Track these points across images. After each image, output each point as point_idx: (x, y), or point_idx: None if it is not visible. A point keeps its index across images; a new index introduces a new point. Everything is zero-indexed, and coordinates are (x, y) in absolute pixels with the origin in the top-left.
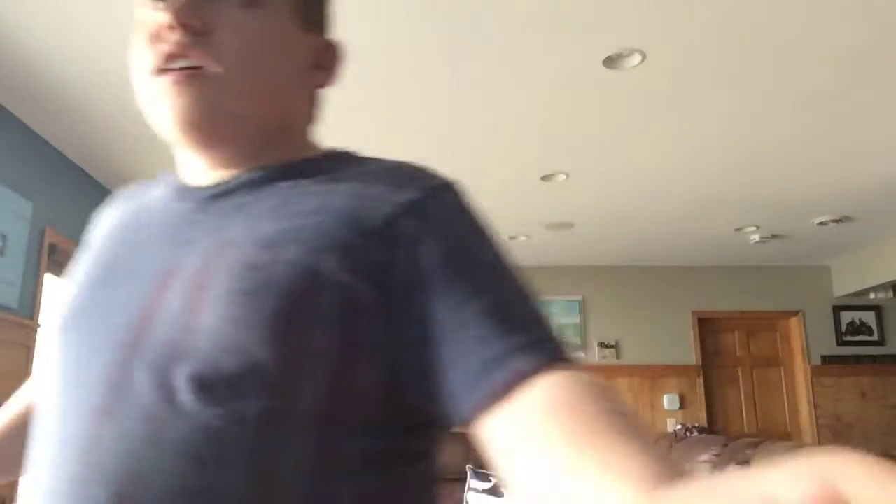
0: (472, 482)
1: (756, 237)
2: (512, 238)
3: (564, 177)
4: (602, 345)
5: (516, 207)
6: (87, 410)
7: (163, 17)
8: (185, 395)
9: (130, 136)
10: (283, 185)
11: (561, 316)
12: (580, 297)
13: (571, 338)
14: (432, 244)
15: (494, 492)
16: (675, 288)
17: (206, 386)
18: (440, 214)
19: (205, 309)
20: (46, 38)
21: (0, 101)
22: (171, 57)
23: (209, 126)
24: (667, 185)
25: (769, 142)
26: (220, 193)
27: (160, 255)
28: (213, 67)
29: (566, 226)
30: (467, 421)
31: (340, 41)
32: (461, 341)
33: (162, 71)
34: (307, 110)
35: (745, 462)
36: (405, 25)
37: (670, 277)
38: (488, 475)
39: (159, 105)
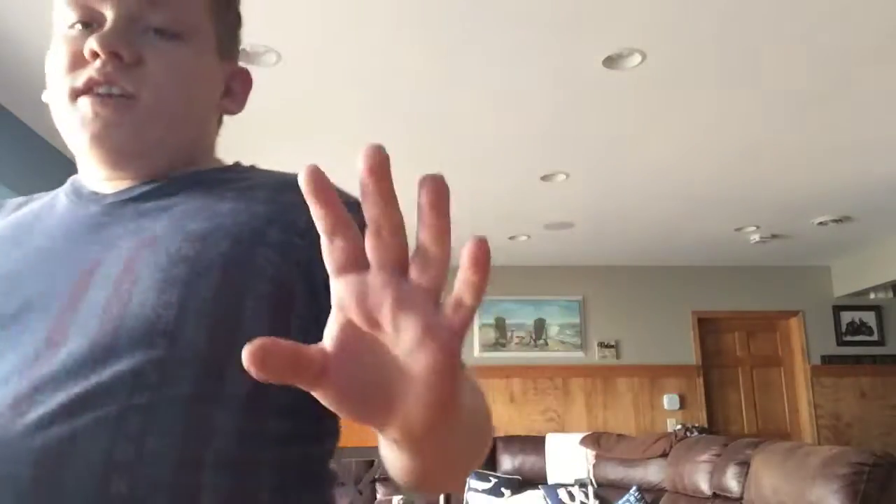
0: (472, 482)
1: (756, 237)
2: (512, 238)
3: (564, 177)
4: (602, 345)
5: (516, 207)
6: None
7: (92, 44)
8: (119, 380)
9: None
10: (198, 190)
11: (561, 316)
12: (580, 297)
13: (571, 338)
14: None
15: (494, 492)
16: (675, 288)
17: (139, 372)
18: None
19: (135, 299)
20: (46, 38)
21: (0, 101)
22: (96, 83)
23: (131, 150)
24: (667, 185)
25: (769, 141)
26: (133, 198)
27: (73, 256)
28: (143, 96)
29: (566, 226)
30: None
31: (247, 70)
32: None
33: (83, 93)
34: (215, 130)
35: (744, 462)
36: (404, 25)
37: (670, 277)
38: (488, 475)
39: (81, 125)
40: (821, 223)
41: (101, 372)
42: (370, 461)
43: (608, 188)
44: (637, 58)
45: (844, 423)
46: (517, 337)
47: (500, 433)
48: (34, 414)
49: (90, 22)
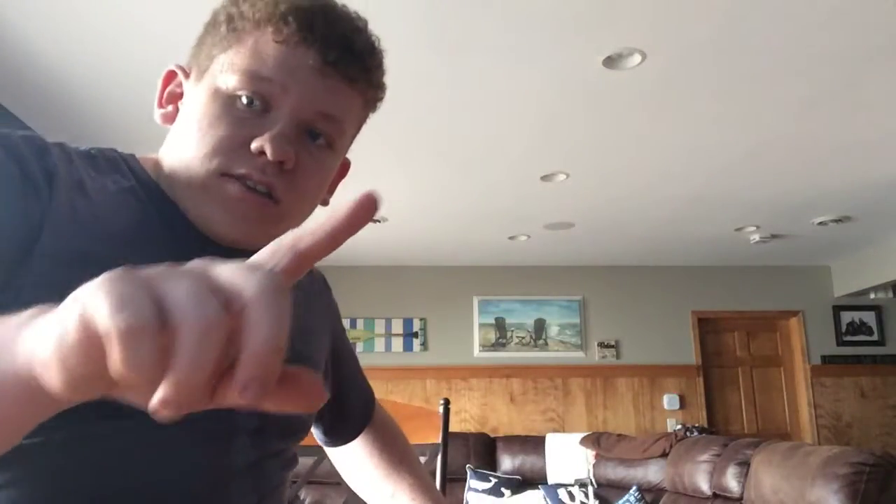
0: (472, 482)
1: (756, 237)
2: (512, 238)
3: (564, 177)
4: (602, 345)
5: (516, 207)
6: None
7: (268, 145)
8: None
9: (130, 136)
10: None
11: (561, 316)
12: (580, 297)
13: (571, 338)
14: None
15: (494, 492)
16: (675, 288)
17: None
18: None
19: None
20: (47, 39)
21: (0, 102)
22: (252, 179)
23: (253, 244)
24: (667, 185)
25: (769, 141)
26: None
27: None
28: (285, 201)
29: (566, 226)
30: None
31: (349, 161)
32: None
33: (232, 179)
34: None
35: (744, 462)
36: (404, 25)
37: (670, 277)
38: (488, 475)
39: (218, 206)
40: (821, 223)
41: None
42: None
43: (608, 188)
44: (637, 58)
45: (844, 423)
46: (517, 337)
47: (500, 433)
48: None
49: (260, 104)
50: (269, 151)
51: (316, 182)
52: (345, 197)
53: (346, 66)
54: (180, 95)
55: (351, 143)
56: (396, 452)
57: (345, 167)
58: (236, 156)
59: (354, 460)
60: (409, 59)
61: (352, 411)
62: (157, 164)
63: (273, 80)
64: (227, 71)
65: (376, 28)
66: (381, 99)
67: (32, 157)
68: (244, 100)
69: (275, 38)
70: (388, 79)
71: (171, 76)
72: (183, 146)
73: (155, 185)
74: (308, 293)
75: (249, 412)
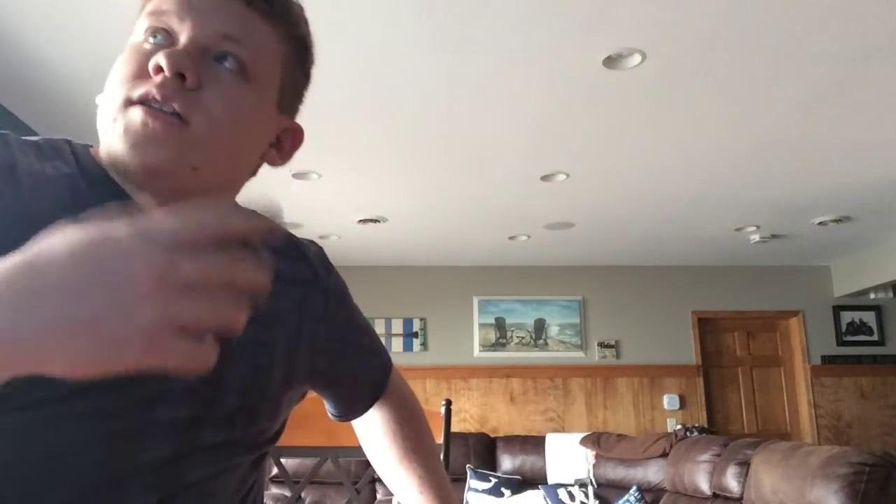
0: (472, 482)
1: (756, 237)
2: (512, 238)
3: (564, 177)
4: (602, 345)
5: (516, 207)
6: None
7: (160, 59)
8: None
9: None
10: None
11: (561, 316)
12: (580, 297)
13: (571, 338)
14: None
15: (494, 492)
16: (674, 288)
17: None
18: None
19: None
20: (46, 38)
21: (0, 102)
22: (152, 98)
23: (166, 169)
24: (667, 185)
25: (769, 142)
26: None
27: None
28: (193, 122)
29: (566, 226)
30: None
31: (302, 127)
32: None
33: (137, 104)
34: (249, 175)
35: (744, 462)
36: (404, 24)
37: (670, 277)
38: (488, 475)
39: (124, 132)
40: (821, 223)
41: None
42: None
43: (608, 188)
44: (637, 58)
45: (844, 423)
46: (517, 337)
47: (500, 433)
48: None
49: (163, 37)
50: (163, 63)
51: (228, 108)
52: (345, 196)
53: None
54: None
55: (285, 91)
56: (411, 436)
57: (297, 132)
58: (140, 81)
59: (371, 434)
60: (409, 59)
61: (354, 390)
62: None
63: (171, 12)
64: (138, 23)
65: (373, 27)
66: (301, 38)
67: None
68: (150, 38)
69: None
70: (388, 78)
71: None
72: (102, 102)
73: (100, 170)
74: (287, 281)
75: (172, 402)
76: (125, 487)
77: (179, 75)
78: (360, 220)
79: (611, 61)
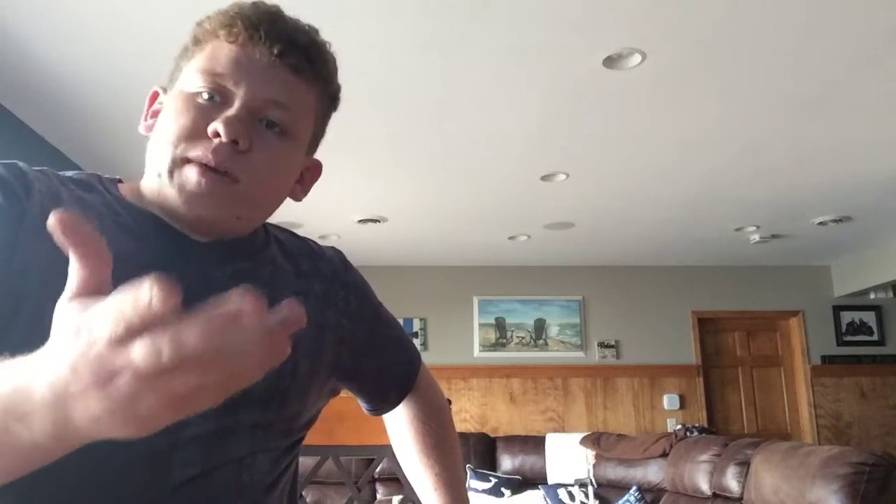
0: (472, 482)
1: (756, 237)
2: (512, 238)
3: (564, 177)
4: (602, 345)
5: (516, 207)
6: None
7: (219, 127)
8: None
9: (130, 136)
10: (259, 258)
11: (561, 316)
12: (580, 297)
13: (571, 338)
14: None
15: (495, 492)
16: (675, 288)
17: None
18: None
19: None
20: (46, 38)
21: (0, 102)
22: (208, 161)
23: (215, 224)
24: (667, 185)
25: (769, 141)
26: (221, 255)
27: None
28: (243, 181)
29: (566, 226)
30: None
31: (321, 162)
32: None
33: (193, 163)
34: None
35: (744, 462)
36: (404, 25)
37: (670, 277)
38: (488, 475)
39: (180, 189)
40: (821, 223)
41: None
42: (369, 460)
43: (608, 188)
44: (637, 58)
45: (844, 423)
46: (517, 337)
47: (500, 433)
48: None
49: (219, 98)
50: (221, 131)
51: (274, 166)
52: (346, 196)
53: (291, 58)
54: (160, 111)
55: (314, 138)
56: (433, 433)
57: (317, 168)
58: (197, 141)
59: (396, 429)
60: (409, 59)
61: (382, 383)
62: (135, 187)
63: (227, 75)
64: (191, 74)
65: (373, 27)
66: (334, 94)
67: (13, 179)
68: (205, 95)
69: (227, 40)
70: (388, 78)
71: (154, 95)
72: (154, 144)
73: (129, 203)
74: (309, 277)
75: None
76: (171, 459)
77: (234, 142)
78: (360, 220)
79: (611, 61)
